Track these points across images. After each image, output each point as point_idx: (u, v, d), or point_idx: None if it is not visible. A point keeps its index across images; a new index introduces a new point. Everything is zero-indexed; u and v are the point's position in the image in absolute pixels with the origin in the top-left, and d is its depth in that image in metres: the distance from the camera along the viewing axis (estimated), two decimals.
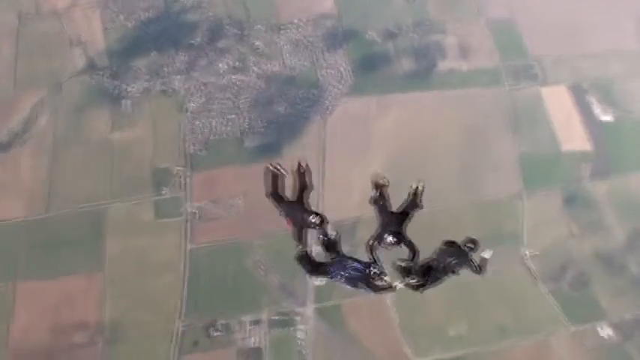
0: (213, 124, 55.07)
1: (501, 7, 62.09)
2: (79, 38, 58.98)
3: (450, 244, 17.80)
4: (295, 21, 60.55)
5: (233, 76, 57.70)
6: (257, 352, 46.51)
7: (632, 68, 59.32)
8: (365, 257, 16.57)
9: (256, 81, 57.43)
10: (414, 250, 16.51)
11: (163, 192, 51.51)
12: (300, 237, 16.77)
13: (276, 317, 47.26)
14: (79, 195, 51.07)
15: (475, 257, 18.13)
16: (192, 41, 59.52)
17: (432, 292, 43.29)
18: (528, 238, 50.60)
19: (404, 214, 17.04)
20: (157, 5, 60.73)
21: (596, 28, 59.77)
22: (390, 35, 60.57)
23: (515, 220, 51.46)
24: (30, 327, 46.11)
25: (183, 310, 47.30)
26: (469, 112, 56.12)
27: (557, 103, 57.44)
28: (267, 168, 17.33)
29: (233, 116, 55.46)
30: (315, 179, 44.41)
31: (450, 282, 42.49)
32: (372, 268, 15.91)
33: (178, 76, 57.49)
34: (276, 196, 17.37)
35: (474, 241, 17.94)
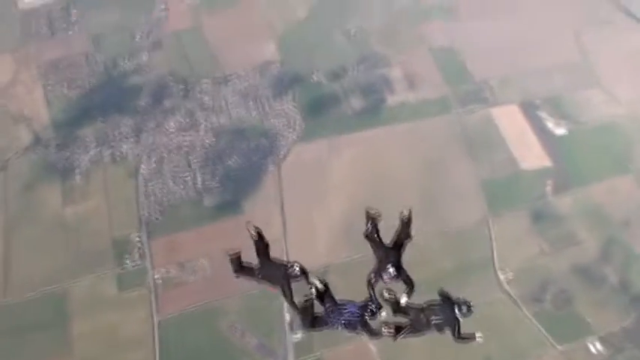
0: (168, 186, 54.17)
1: (442, 35, 62.94)
2: (23, 114, 58.22)
3: (445, 298, 17.44)
4: (241, 72, 60.62)
5: (183, 134, 57.18)
6: None
7: (577, 80, 60.25)
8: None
9: (206, 136, 56.88)
10: (411, 284, 16.78)
11: (125, 263, 50.33)
12: (290, 294, 16.65)
13: None
14: (38, 276, 49.50)
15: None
16: (138, 104, 59.04)
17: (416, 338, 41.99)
18: (500, 262, 50.38)
19: (398, 246, 17.23)
20: (98, 72, 60.49)
21: (537, 45, 60.45)
22: (336, 75, 60.71)
23: (485, 246, 51.24)
24: None
25: None
26: (423, 143, 56.03)
27: (510, 122, 57.77)
28: (226, 252, 17.09)
29: (187, 176, 54.84)
30: (277, 230, 43.56)
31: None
32: (369, 305, 16.20)
33: (127, 142, 56.86)
34: (243, 270, 17.15)
35: (468, 307, 17.51)
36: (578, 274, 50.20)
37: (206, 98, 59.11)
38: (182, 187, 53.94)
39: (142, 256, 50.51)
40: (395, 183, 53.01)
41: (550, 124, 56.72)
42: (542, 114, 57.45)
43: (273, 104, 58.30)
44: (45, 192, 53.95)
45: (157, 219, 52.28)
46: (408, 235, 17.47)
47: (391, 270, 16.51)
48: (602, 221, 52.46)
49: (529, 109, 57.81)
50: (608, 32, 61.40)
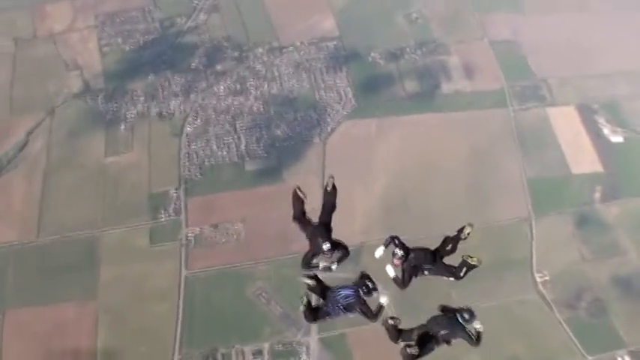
0: (212, 148, 53.49)
1: (505, 28, 61.35)
2: (76, 62, 58.19)
3: (446, 310, 17.86)
4: (297, 44, 59.79)
5: (232, 99, 56.56)
6: None
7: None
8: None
9: (255, 103, 56.22)
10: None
11: (160, 217, 49.90)
12: (310, 262, 17.27)
13: (279, 347, 45.17)
14: (72, 221, 49.52)
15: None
16: (191, 64, 58.62)
17: None
18: (539, 263, 48.78)
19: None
20: (154, 28, 60.29)
21: (603, 48, 58.76)
22: (393, 56, 59.57)
23: (525, 245, 49.76)
24: (21, 356, 44.29)
25: (180, 339, 45.27)
26: (474, 134, 54.62)
27: (566, 124, 56.11)
28: (294, 192, 17.49)
29: (231, 140, 54.01)
30: (315, 203, 42.93)
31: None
32: (366, 286, 16.54)
33: (175, 99, 56.52)
34: (300, 217, 17.50)
35: (470, 313, 17.68)
36: (616, 285, 48.45)
37: (259, 66, 58.38)
38: (225, 150, 53.36)
39: (177, 213, 50.18)
40: (440, 171, 52.13)
41: (606, 130, 55.12)
42: (600, 119, 55.80)
43: (326, 78, 57.38)
44: (89, 140, 53.95)
45: (196, 178, 51.92)
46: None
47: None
48: None
49: (586, 113, 56.15)
50: None
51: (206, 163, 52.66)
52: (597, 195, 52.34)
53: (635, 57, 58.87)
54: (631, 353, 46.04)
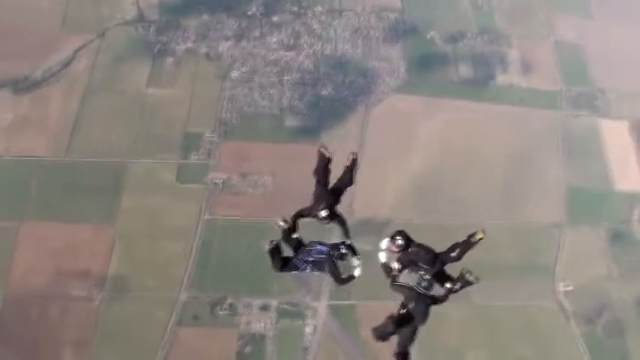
0: (254, 96, 52.72)
1: (571, 30, 59.63)
2: None
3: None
4: (358, 9, 58.48)
5: (282, 52, 55.14)
6: (260, 339, 43.85)
7: None
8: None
9: (305, 60, 55.06)
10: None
11: (191, 156, 49.37)
12: (294, 221, 16.50)
13: (287, 307, 44.60)
14: (103, 144, 49.17)
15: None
16: (247, 10, 57.54)
17: (456, 313, 40.28)
18: (563, 271, 47.69)
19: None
20: None
21: None
22: (452, 38, 58.23)
23: (552, 252, 48.57)
24: (31, 269, 44.05)
25: (189, 280, 44.85)
26: (521, 131, 53.50)
27: (616, 138, 54.59)
28: (319, 150, 16.76)
29: (275, 92, 53.07)
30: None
31: (473, 305, 39.48)
32: (341, 248, 15.88)
33: (226, 43, 55.56)
34: (320, 174, 16.71)
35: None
36: (639, 308, 46.86)
37: (316, 24, 57.25)
38: (267, 101, 52.59)
39: (208, 155, 49.51)
40: (480, 162, 51.22)
41: None
42: None
43: (382, 48, 56.14)
44: (133, 68, 53.34)
45: (233, 123, 51.24)
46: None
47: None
48: None
49: (639, 131, 53.17)
50: None
51: (245, 110, 51.80)
52: (636, 215, 50.76)
53: None
54: None
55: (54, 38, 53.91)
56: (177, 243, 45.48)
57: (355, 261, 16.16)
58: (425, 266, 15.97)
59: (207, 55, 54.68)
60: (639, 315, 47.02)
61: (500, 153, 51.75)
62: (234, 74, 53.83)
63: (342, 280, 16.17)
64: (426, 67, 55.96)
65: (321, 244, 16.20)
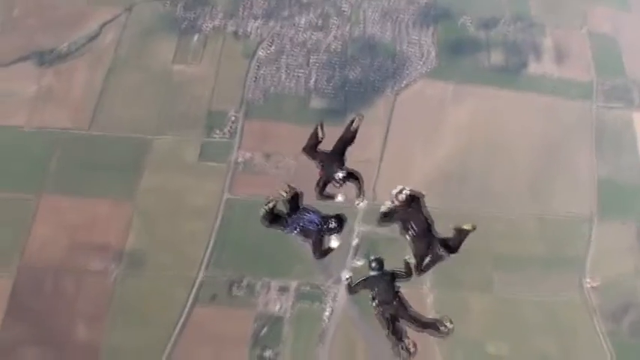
0: (280, 76, 52.22)
1: (607, 21, 58.27)
2: None
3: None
4: None
5: (311, 33, 54.71)
6: (277, 320, 43.16)
7: None
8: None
9: (334, 42, 54.46)
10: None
11: (214, 135, 48.86)
12: (323, 191, 17.40)
13: (306, 289, 43.88)
14: (126, 119, 48.76)
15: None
16: None
17: (478, 304, 39.41)
18: (591, 266, 46.31)
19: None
20: None
21: None
22: (485, 25, 57.04)
23: (580, 245, 47.29)
24: (47, 242, 43.75)
25: (208, 260, 44.27)
26: (551, 121, 52.32)
27: None
28: (316, 127, 17.90)
29: (301, 73, 52.47)
30: (373, 154, 41.24)
31: (496, 297, 38.49)
32: (330, 223, 16.38)
33: (254, 21, 55.02)
34: (311, 150, 17.96)
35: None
36: None
37: (345, 6, 56.47)
38: (294, 82, 51.91)
39: (232, 134, 48.99)
40: (508, 151, 50.13)
41: None
42: None
43: (412, 32, 55.36)
44: (160, 44, 53.03)
45: (258, 103, 50.70)
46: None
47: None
48: None
49: None
50: None
51: (271, 91, 51.17)
52: None
53: None
54: None
55: (81, 12, 53.75)
56: (197, 222, 44.94)
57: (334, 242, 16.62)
58: (415, 229, 16.51)
59: (235, 34, 54.17)
60: None
61: (530, 143, 50.69)
62: (261, 54, 53.22)
63: (321, 252, 16.66)
64: (457, 53, 54.91)
65: (314, 212, 16.69)
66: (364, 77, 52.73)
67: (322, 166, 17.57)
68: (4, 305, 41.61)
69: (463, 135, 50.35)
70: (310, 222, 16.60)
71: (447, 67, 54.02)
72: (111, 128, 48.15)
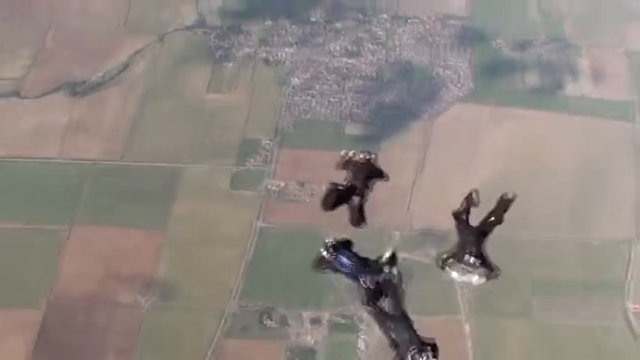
0: (313, 103, 52.02)
1: None
2: None
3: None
4: (423, 17, 57.48)
5: (345, 59, 54.36)
6: (310, 353, 42.22)
7: None
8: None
9: (367, 68, 54.16)
10: (490, 269, 14.07)
11: (247, 163, 48.65)
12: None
13: (339, 319, 42.78)
14: (159, 149, 48.92)
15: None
16: (310, 16, 57.16)
17: (516, 332, 38.38)
18: (634, 290, 44.65)
19: (484, 232, 14.66)
20: None
21: None
22: (520, 46, 56.42)
23: (621, 269, 45.77)
24: (78, 274, 43.68)
25: (239, 290, 43.72)
26: (591, 142, 51.13)
27: None
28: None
29: (336, 99, 52.27)
30: (408, 180, 40.56)
31: (535, 324, 37.45)
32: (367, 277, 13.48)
33: (287, 49, 55.06)
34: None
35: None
36: None
37: (380, 32, 56.50)
38: (328, 108, 51.81)
39: (265, 162, 48.75)
40: (547, 174, 48.99)
41: None
42: None
43: (447, 56, 55.12)
44: (193, 74, 53.37)
45: (292, 131, 50.48)
46: (499, 220, 14.87)
47: (472, 260, 13.97)
48: None
49: None
50: None
51: (305, 117, 51.13)
52: None
53: None
54: None
55: (114, 42, 54.54)
56: (229, 251, 44.56)
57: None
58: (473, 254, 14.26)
59: (267, 61, 54.34)
60: None
61: (568, 165, 49.68)
62: (295, 81, 53.20)
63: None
64: (493, 76, 54.41)
65: (364, 270, 13.63)
66: (400, 102, 52.47)
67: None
68: (34, 339, 41.33)
69: (501, 158, 49.53)
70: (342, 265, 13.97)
71: (482, 90, 53.58)
72: (143, 158, 48.21)
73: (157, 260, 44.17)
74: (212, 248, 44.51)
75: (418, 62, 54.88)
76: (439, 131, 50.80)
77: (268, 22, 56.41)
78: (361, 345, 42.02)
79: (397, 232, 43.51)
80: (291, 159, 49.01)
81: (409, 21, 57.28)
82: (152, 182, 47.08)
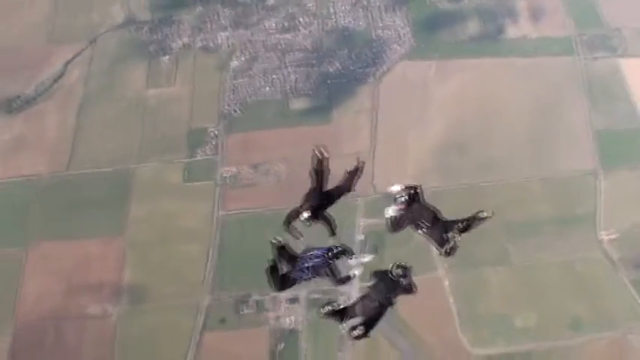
0: (256, 84, 50.98)
1: None
2: None
3: (381, 274, 15.71)
4: None
5: (281, 35, 53.40)
6: (292, 334, 41.59)
7: None
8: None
9: (305, 41, 53.26)
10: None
11: (197, 154, 47.59)
12: (289, 222, 16.18)
13: (317, 296, 41.75)
14: (106, 154, 47.54)
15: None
16: None
17: (496, 279, 37.93)
18: (605, 220, 44.83)
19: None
20: None
21: None
22: None
23: (590, 200, 45.85)
24: (42, 293, 42.48)
25: (210, 282, 42.86)
26: (539, 81, 50.81)
27: (639, 76, 50.90)
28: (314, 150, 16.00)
29: (278, 76, 51.28)
30: (364, 145, 39.81)
31: (514, 267, 36.99)
32: (334, 248, 15.39)
33: (223, 33, 53.74)
34: (314, 176, 16.17)
35: (404, 268, 15.50)
36: None
37: (310, 4, 55.51)
38: (271, 86, 50.75)
39: (215, 150, 47.73)
40: (501, 118, 48.84)
41: None
42: None
43: (384, 16, 54.21)
44: (130, 71, 51.91)
45: (237, 114, 49.49)
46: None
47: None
48: None
49: None
50: None
51: (249, 100, 49.99)
52: None
53: None
54: None
55: (43, 52, 52.76)
56: (193, 245, 43.69)
57: (352, 261, 15.90)
58: (426, 224, 15.32)
59: (205, 48, 53.14)
60: None
61: (521, 106, 49.49)
62: (234, 64, 52.08)
63: (341, 280, 15.83)
64: (433, 30, 53.76)
65: (315, 248, 15.71)
66: (344, 69, 51.65)
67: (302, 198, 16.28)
68: None
69: (453, 110, 49.21)
70: (316, 257, 15.60)
71: (425, 45, 52.99)
72: (90, 165, 46.94)
73: (120, 266, 43.00)
74: (176, 245, 43.59)
75: (356, 27, 53.94)
76: (387, 93, 50.12)
77: (200, 9, 54.91)
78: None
79: (361, 199, 42.54)
80: (240, 143, 48.04)
81: None
82: (103, 188, 45.81)
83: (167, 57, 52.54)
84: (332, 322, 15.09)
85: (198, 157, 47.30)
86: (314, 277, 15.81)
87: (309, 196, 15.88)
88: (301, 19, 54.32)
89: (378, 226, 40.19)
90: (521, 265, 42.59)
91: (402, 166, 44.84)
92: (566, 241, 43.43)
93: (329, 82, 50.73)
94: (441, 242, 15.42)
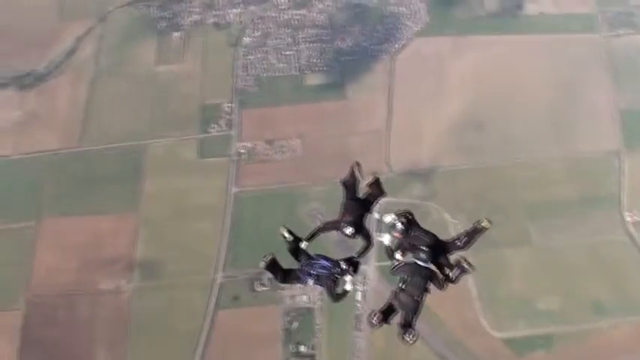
0: (270, 60, 50.08)
1: None
2: None
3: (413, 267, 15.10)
4: None
5: (293, 12, 52.39)
6: (307, 312, 40.88)
7: None
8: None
9: (318, 17, 52.24)
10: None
11: (211, 130, 46.77)
12: (314, 234, 15.90)
13: None
14: (117, 130, 46.92)
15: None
16: None
17: (517, 260, 36.69)
18: (629, 200, 43.68)
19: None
20: None
21: None
22: None
23: (613, 181, 44.79)
24: (54, 268, 41.85)
25: (224, 259, 42.10)
26: (560, 59, 49.62)
27: None
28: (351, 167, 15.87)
29: (291, 52, 50.31)
30: (379, 122, 38.58)
31: (535, 249, 35.83)
32: (341, 265, 15.24)
33: (234, 10, 52.83)
34: (347, 186, 15.90)
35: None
36: None
37: None
38: (284, 62, 49.89)
39: (229, 126, 46.98)
40: (520, 97, 47.67)
41: None
42: None
43: None
44: (140, 48, 51.31)
45: (251, 90, 48.63)
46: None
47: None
48: None
49: None
50: None
51: (263, 76, 49.06)
52: None
53: None
54: None
55: (54, 30, 52.16)
56: (207, 221, 43.02)
57: (347, 277, 15.56)
58: (425, 250, 14.94)
59: (216, 25, 52.36)
60: None
61: (541, 84, 48.28)
62: (247, 40, 51.31)
63: (337, 295, 15.56)
64: (449, 5, 52.54)
65: (325, 259, 15.51)
66: (357, 45, 50.56)
67: (342, 210, 15.70)
68: (17, 340, 39.71)
69: (469, 88, 48.13)
70: (322, 268, 15.46)
71: (440, 21, 51.81)
72: (102, 141, 46.34)
73: (133, 242, 42.41)
74: (189, 221, 42.82)
75: (368, 3, 52.84)
76: (402, 69, 49.21)
77: None
78: (358, 296, 40.66)
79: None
80: (255, 118, 47.25)
81: None
82: (116, 164, 45.26)
83: (177, 34, 51.80)
84: (347, 299, 15.29)
85: (214, 133, 46.59)
86: (315, 284, 15.71)
87: (346, 208, 15.56)
88: None
89: (394, 205, 39.23)
90: (543, 246, 41.53)
91: (418, 144, 44.03)
92: (589, 223, 42.36)
93: (343, 59, 49.90)
94: (448, 267, 15.14)
